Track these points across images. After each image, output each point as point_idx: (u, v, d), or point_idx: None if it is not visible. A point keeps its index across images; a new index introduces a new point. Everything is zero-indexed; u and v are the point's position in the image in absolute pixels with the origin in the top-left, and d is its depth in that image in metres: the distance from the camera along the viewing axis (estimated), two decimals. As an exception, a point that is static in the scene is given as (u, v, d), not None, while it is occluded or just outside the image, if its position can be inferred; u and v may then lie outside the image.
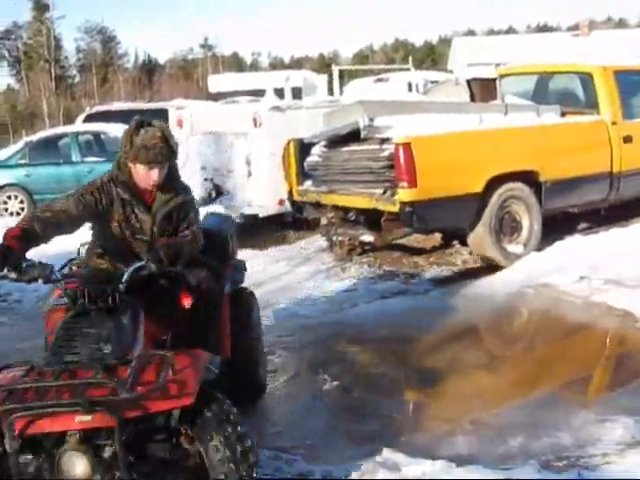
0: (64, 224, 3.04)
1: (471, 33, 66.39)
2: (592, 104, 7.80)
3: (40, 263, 2.92)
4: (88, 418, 2.46)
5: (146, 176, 3.21)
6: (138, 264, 2.96)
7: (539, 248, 7.17)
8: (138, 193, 3.28)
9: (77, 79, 63.26)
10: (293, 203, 8.20)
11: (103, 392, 2.47)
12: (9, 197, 12.97)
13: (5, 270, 2.80)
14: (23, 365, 2.68)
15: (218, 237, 3.98)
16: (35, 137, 14.30)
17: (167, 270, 3.06)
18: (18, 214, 12.65)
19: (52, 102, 49.15)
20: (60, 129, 16.09)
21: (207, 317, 3.46)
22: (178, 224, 3.36)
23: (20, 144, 14.19)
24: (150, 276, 3.03)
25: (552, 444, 3.57)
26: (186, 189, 3.48)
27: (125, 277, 2.90)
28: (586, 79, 7.89)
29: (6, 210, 12.87)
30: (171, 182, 3.35)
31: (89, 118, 15.82)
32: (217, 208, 9.46)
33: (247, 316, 4.11)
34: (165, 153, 3.17)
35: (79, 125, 15.46)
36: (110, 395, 2.46)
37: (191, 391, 2.55)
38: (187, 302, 3.28)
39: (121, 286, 2.87)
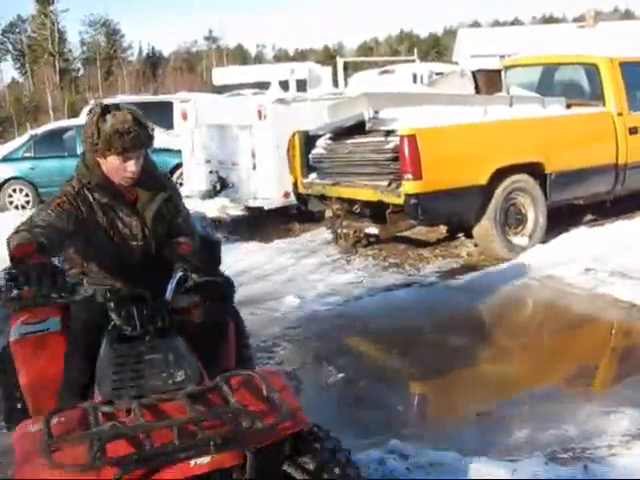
0: (55, 240, 2.54)
1: (476, 24, 66.30)
2: (598, 96, 7.78)
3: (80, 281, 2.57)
4: (207, 460, 2.06)
5: (121, 168, 2.74)
6: (178, 276, 2.62)
7: (544, 240, 7.18)
8: (118, 194, 2.83)
9: (81, 72, 63.33)
10: (298, 196, 8.19)
11: (226, 426, 2.11)
12: (14, 190, 13.02)
13: (54, 292, 2.33)
14: (78, 406, 2.25)
15: (207, 242, 3.40)
16: (40, 130, 14.33)
17: (209, 279, 2.73)
18: (23, 207, 12.70)
19: (56, 95, 49.17)
20: (65, 122, 16.10)
21: (216, 332, 3.00)
22: (170, 221, 2.95)
23: (25, 137, 14.23)
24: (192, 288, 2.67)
25: (558, 436, 3.57)
26: (169, 180, 3.14)
27: (170, 293, 2.57)
28: (592, 70, 7.87)
29: (11, 203, 12.92)
30: (151, 174, 2.92)
31: (93, 111, 15.83)
32: (222, 201, 9.50)
33: (243, 329, 3.65)
34: (142, 137, 2.71)
35: (84, 118, 15.47)
36: (236, 427, 2.10)
37: (303, 413, 2.28)
38: (196, 315, 2.87)
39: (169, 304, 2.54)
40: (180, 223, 2.99)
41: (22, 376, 2.96)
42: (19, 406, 3.09)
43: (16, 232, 2.50)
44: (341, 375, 4.55)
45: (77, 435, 2.06)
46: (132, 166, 2.74)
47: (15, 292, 3.38)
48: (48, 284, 2.24)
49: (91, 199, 2.77)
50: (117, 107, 2.72)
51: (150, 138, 2.77)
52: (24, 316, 3.10)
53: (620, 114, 7.67)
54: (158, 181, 2.95)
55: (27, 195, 12.97)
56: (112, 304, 2.46)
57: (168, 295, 2.56)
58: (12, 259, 2.38)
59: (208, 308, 2.88)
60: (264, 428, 2.11)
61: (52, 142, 13.36)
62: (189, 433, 2.06)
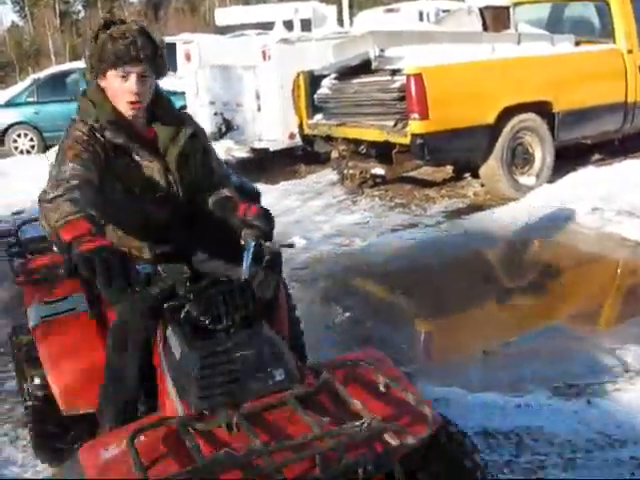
0: (92, 201, 2.05)
1: (483, -39, 64.70)
2: (607, 32, 7.63)
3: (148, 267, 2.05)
4: None
5: (122, 89, 2.26)
6: (252, 249, 2.15)
7: (551, 180, 7.15)
8: (132, 132, 2.33)
9: (82, 15, 62.36)
10: (304, 137, 8.15)
11: (368, 444, 1.70)
12: (19, 135, 12.98)
13: (129, 287, 1.79)
14: (163, 421, 1.81)
15: (246, 195, 2.68)
16: (42, 74, 14.22)
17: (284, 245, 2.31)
18: (28, 152, 12.69)
19: (57, 39, 48.61)
20: (67, 66, 15.94)
21: (271, 301, 2.50)
22: (201, 163, 2.46)
23: (27, 82, 14.13)
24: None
25: (562, 372, 3.59)
26: (190, 116, 2.59)
27: (247, 271, 2.10)
28: (601, 6, 7.70)
29: (16, 149, 12.89)
30: (167, 108, 2.45)
31: (96, 54, 15.68)
32: (228, 143, 9.45)
33: (288, 291, 3.25)
34: (141, 47, 2.21)
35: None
36: (384, 447, 1.68)
37: (432, 411, 1.82)
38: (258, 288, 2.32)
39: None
40: (215, 167, 2.52)
41: (50, 368, 2.52)
42: (46, 411, 2.65)
43: (50, 200, 1.97)
44: (347, 315, 4.58)
45: (183, 473, 1.58)
46: (133, 84, 2.25)
47: (18, 262, 2.93)
48: (120, 277, 1.73)
49: (103, 141, 2.28)
50: (123, 22, 2.28)
51: (155, 53, 2.27)
52: (40, 292, 2.66)
53: (630, 51, 7.54)
54: (177, 116, 2.48)
55: (32, 140, 12.93)
56: (192, 294, 2.00)
57: (245, 274, 2.09)
58: (58, 241, 1.85)
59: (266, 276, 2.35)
60: (414, 443, 1.70)
61: (55, 86, 13.31)
62: (328, 457, 1.63)
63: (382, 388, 1.87)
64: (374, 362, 1.96)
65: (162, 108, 2.43)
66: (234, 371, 1.86)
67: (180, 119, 2.46)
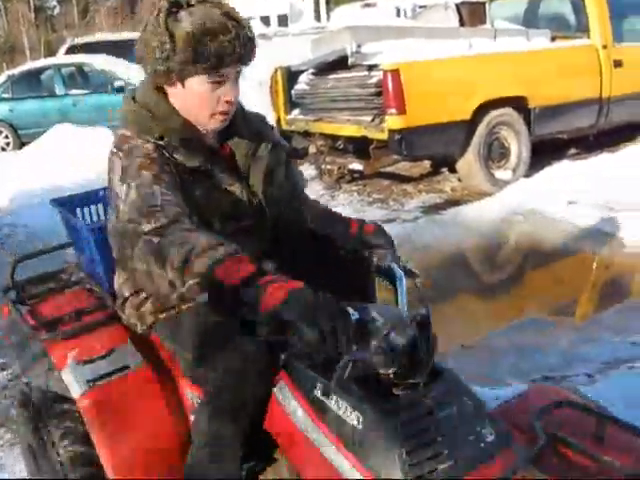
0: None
1: (460, -44, 64.82)
2: (583, 28, 7.69)
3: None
4: None
5: (212, 99, 1.79)
6: (404, 277, 1.83)
7: (527, 174, 7.20)
8: (207, 151, 1.86)
9: (57, 10, 61.75)
10: (281, 132, 8.13)
11: None
12: (-7, 132, 12.83)
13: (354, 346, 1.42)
14: None
15: None
16: (17, 70, 14.06)
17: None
18: (3, 149, 12.53)
19: (32, 34, 48.11)
20: (42, 62, 15.79)
21: None
22: (281, 180, 2.01)
23: (2, 78, 13.96)
24: None
25: (539, 365, 3.62)
26: (265, 120, 2.10)
27: (406, 305, 1.74)
28: (576, 2, 7.76)
29: (-9, 146, 12.75)
30: (244, 113, 2.00)
31: (71, 50, 15.54)
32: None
33: None
34: (245, 43, 1.77)
35: (62, 57, 15.20)
36: None
37: None
38: None
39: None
40: (297, 178, 2.14)
41: (108, 447, 1.96)
42: None
43: (155, 232, 1.58)
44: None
45: None
46: (230, 91, 1.79)
47: (25, 311, 2.31)
48: (346, 331, 1.36)
49: (175, 162, 1.79)
50: (189, 3, 1.75)
51: (254, 45, 1.83)
52: (75, 348, 2.04)
53: (605, 47, 7.59)
54: (255, 126, 2.00)
55: (7, 137, 12.78)
56: (389, 347, 1.48)
57: (405, 308, 1.71)
58: (205, 286, 1.48)
59: None
60: None
61: (30, 83, 13.17)
62: None
63: (594, 429, 1.54)
64: (569, 400, 1.63)
65: (238, 117, 1.95)
66: (444, 438, 1.44)
67: (259, 128, 2.02)
